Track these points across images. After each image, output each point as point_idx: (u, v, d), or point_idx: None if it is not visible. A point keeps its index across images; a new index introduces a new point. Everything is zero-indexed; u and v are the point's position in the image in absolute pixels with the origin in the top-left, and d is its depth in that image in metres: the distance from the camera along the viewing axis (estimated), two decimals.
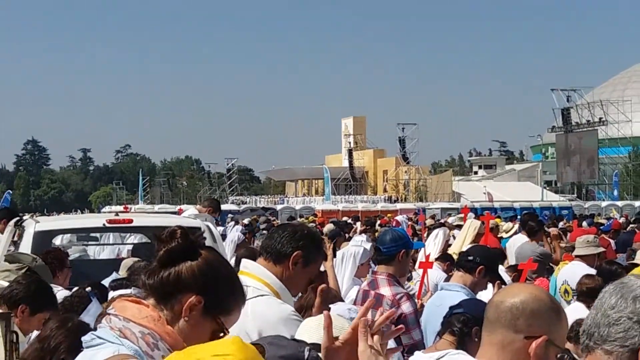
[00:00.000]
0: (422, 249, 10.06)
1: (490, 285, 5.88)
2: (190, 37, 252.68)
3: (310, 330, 3.22)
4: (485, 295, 5.65)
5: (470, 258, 5.84)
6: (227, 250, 12.01)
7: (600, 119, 74.77)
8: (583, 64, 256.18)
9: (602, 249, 9.11)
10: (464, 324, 4.43)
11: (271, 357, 2.13)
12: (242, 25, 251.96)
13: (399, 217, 24.30)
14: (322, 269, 7.42)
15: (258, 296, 3.67)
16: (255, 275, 3.79)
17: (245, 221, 26.77)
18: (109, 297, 5.32)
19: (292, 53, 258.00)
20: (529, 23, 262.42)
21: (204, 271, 2.54)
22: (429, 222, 21.51)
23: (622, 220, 24.72)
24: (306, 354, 2.18)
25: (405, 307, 5.70)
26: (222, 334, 2.55)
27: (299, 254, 3.83)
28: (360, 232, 16.86)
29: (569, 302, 8.08)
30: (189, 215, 10.55)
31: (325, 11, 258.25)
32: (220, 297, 2.56)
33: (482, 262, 5.81)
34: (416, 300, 7.45)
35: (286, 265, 3.83)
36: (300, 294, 4.65)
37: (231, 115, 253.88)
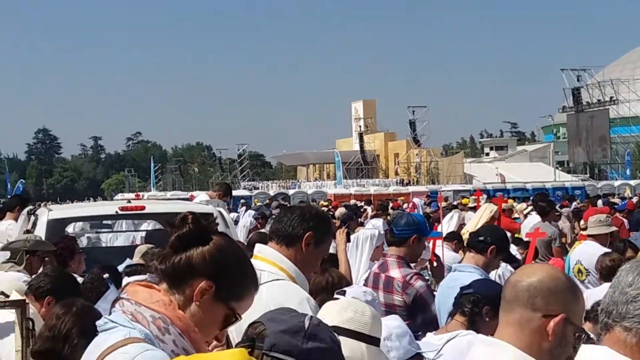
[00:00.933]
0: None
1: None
2: (199, 23, 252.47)
3: (332, 313, 3.22)
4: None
5: (481, 238, 5.84)
6: (240, 235, 12.03)
7: (611, 98, 74.45)
8: (593, 44, 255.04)
9: (614, 228, 9.08)
10: (474, 304, 4.43)
11: (271, 333, 2.14)
12: (250, 10, 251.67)
13: (416, 200, 24.24)
14: (333, 251, 7.46)
15: (273, 280, 3.67)
16: (269, 260, 3.79)
17: (259, 203, 26.76)
18: (123, 283, 5.35)
19: (302, 37, 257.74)
20: (538, 3, 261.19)
21: (214, 256, 2.55)
22: (443, 204, 21.45)
23: (635, 199, 24.66)
24: (306, 323, 2.18)
25: (418, 285, 5.73)
26: (234, 320, 2.56)
27: (310, 234, 3.83)
28: (372, 216, 16.85)
29: (582, 282, 8.07)
30: (201, 201, 10.55)
31: None
32: (231, 283, 2.56)
33: (493, 242, 5.81)
34: (429, 273, 7.45)
35: (298, 248, 3.83)
36: None
37: (242, 101, 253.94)
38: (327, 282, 5.15)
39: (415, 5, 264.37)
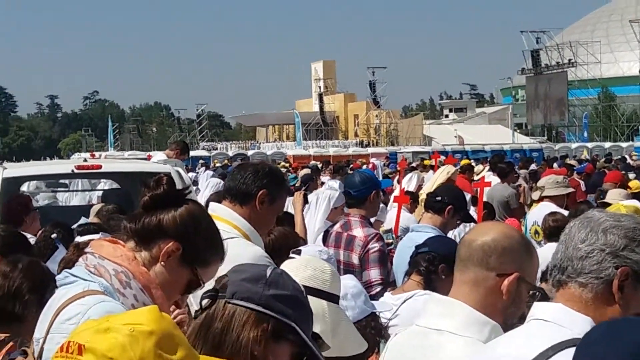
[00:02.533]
0: (398, 186, 10.09)
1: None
2: None
3: (291, 271, 3.20)
4: None
5: (439, 198, 5.85)
6: (202, 195, 11.98)
7: (569, 60, 75.01)
8: (552, 5, 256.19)
9: (571, 190, 9.17)
10: (430, 262, 4.43)
11: (233, 281, 2.14)
12: None
13: (375, 161, 24.33)
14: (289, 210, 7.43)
15: (227, 239, 3.64)
16: (223, 218, 3.76)
17: (218, 164, 26.68)
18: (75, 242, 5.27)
19: None
20: None
21: (185, 220, 2.58)
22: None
23: (594, 162, 24.89)
24: (268, 272, 2.17)
25: (371, 245, 5.71)
26: (197, 285, 2.60)
27: (264, 192, 3.81)
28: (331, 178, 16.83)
29: (539, 243, 8.13)
30: (158, 161, 10.46)
31: None
32: (198, 248, 2.60)
33: (451, 201, 5.83)
34: (393, 236, 7.47)
35: (253, 206, 3.81)
36: None
37: (201, 61, 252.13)
38: (269, 241, 5.10)
39: None
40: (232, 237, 3.66)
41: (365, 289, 5.45)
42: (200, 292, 2.45)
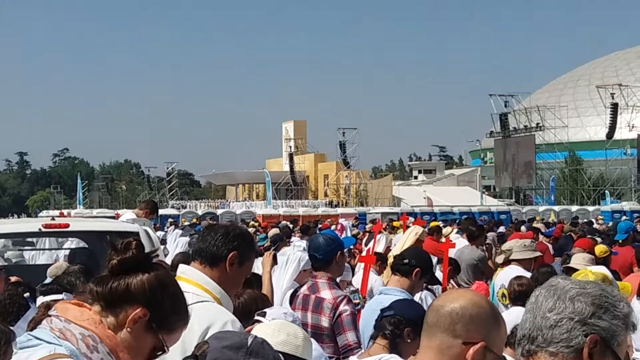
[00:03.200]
0: (366, 248, 10.11)
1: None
2: (128, 37, 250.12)
3: (265, 336, 3.21)
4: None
5: (406, 261, 5.86)
6: (172, 254, 11.91)
7: (537, 124, 75.88)
8: (520, 70, 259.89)
9: (538, 254, 9.21)
10: (396, 325, 4.43)
11: (214, 349, 2.13)
12: (182, 24, 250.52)
13: (343, 222, 24.36)
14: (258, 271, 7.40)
15: (197, 302, 3.63)
16: (193, 281, 3.75)
17: (186, 223, 26.57)
18: (38, 302, 5.22)
19: (233, 56, 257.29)
20: (467, 28, 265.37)
21: (153, 286, 2.57)
22: (368, 226, 21.62)
23: (562, 225, 25.06)
24: (249, 340, 2.16)
25: (343, 308, 5.69)
26: (161, 352, 2.58)
27: (234, 254, 3.80)
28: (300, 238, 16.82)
29: (506, 306, 8.15)
30: (127, 220, 10.42)
31: (266, 12, 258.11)
32: (165, 314, 2.59)
33: (418, 264, 5.85)
34: (360, 296, 7.46)
35: (223, 267, 3.80)
36: None
37: (171, 119, 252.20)
38: (239, 304, 5.10)
39: (346, 28, 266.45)
40: (202, 301, 3.66)
41: (344, 353, 5.46)
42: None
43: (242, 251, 3.85)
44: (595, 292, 2.28)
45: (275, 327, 3.35)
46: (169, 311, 2.60)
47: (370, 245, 10.71)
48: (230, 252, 3.80)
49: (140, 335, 2.55)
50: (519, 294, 7.02)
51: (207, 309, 3.63)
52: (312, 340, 3.98)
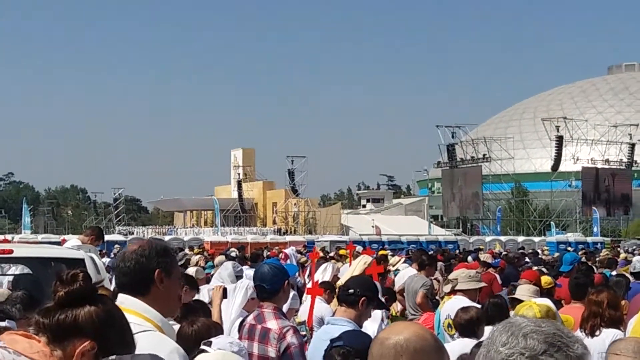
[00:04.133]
0: (311, 280, 10.11)
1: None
2: (72, 64, 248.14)
3: None
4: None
5: (351, 291, 5.87)
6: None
7: (484, 155, 76.75)
8: (467, 101, 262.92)
9: (483, 284, 9.29)
10: (344, 356, 4.43)
11: None
12: (129, 49, 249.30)
13: (288, 250, 24.33)
14: (206, 300, 7.35)
15: (140, 332, 3.59)
16: (133, 311, 3.70)
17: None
18: None
19: (180, 82, 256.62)
20: (415, 58, 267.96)
21: (101, 318, 2.56)
22: (302, 258, 21.72)
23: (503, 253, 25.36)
24: None
25: (291, 340, 5.68)
26: None
27: (158, 272, 3.75)
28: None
29: (452, 336, 8.20)
30: (72, 246, 10.31)
31: (214, 38, 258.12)
32: (112, 345, 2.57)
33: (363, 293, 5.86)
34: (307, 328, 7.46)
35: (155, 290, 3.74)
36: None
37: (118, 144, 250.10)
38: (193, 332, 5.09)
39: (293, 56, 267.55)
40: (145, 330, 3.62)
41: None
42: None
43: (163, 265, 3.78)
44: (549, 330, 2.30)
45: (217, 357, 3.34)
46: (116, 342, 2.59)
47: (317, 275, 10.68)
48: (153, 272, 3.74)
49: None
50: (465, 324, 7.07)
51: (150, 338, 3.59)
52: None
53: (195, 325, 5.12)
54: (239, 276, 9.15)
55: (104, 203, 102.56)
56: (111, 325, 2.59)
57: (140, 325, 3.63)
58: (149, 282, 3.73)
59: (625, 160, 77.89)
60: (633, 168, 79.60)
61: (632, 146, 77.76)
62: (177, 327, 5.42)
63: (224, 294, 7.29)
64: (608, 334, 6.85)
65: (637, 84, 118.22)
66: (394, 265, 15.36)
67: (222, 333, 5.33)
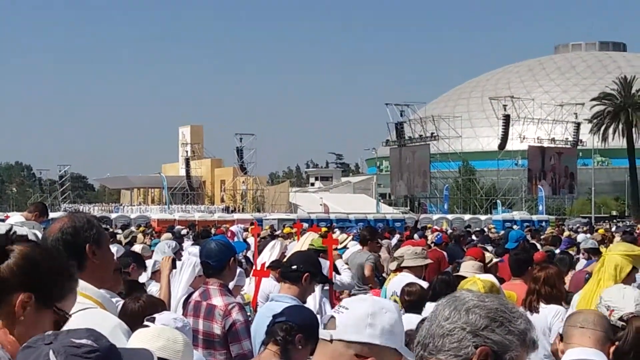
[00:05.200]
0: (257, 259, 10.08)
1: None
2: (23, 41, 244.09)
3: (144, 341, 3.17)
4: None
5: (294, 267, 5.87)
6: None
7: (432, 134, 77.19)
8: (416, 80, 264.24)
9: (429, 261, 9.35)
10: (287, 332, 4.44)
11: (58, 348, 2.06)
12: (82, 26, 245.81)
13: (234, 228, 24.30)
14: (144, 280, 7.28)
15: (80, 310, 3.54)
16: None
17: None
18: None
19: (129, 58, 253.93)
20: (364, 37, 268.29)
21: (23, 267, 2.45)
22: (264, 232, 21.65)
23: (449, 231, 25.60)
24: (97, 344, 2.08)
25: (236, 316, 5.67)
26: (64, 320, 2.51)
27: (89, 246, 3.70)
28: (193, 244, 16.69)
29: None
30: (15, 223, 10.14)
31: (164, 17, 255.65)
32: (49, 288, 2.48)
33: (306, 268, 5.86)
34: (252, 309, 7.45)
35: (90, 262, 3.68)
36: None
37: (63, 121, 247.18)
38: (139, 307, 5.05)
39: (244, 33, 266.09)
40: (85, 308, 3.57)
41: None
42: None
43: (92, 238, 3.72)
44: (492, 305, 2.30)
45: (154, 332, 3.32)
46: (51, 282, 2.50)
47: (265, 253, 10.66)
48: (84, 247, 3.69)
49: (35, 318, 2.46)
50: (411, 301, 7.12)
51: (91, 315, 3.55)
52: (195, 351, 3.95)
53: (140, 302, 5.08)
54: (176, 253, 9.11)
55: (49, 180, 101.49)
56: (38, 269, 2.48)
57: (80, 304, 3.58)
58: (82, 259, 3.66)
59: (570, 139, 78.90)
60: (578, 147, 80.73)
61: (578, 125, 78.77)
62: (121, 303, 5.39)
63: (173, 265, 7.25)
64: (550, 310, 6.94)
65: (583, 64, 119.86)
66: (342, 243, 15.43)
67: (167, 310, 5.31)
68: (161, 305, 5.30)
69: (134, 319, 4.56)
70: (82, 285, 3.66)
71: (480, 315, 2.27)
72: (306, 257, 6.28)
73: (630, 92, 77.65)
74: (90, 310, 3.58)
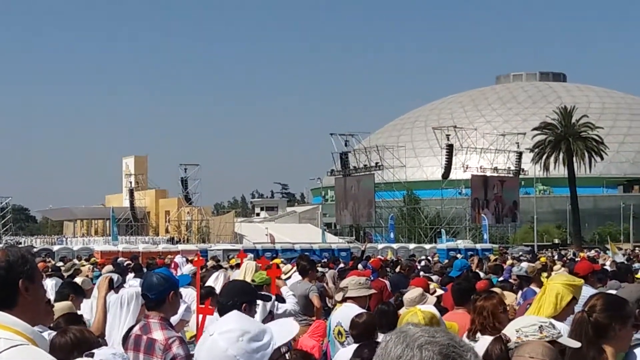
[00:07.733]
0: (196, 290, 9.98)
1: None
2: None
3: None
4: None
5: (230, 303, 5.83)
6: None
7: (376, 163, 77.60)
8: (360, 110, 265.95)
9: (373, 291, 9.34)
10: None
11: None
12: (16, 54, 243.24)
13: (177, 259, 24.11)
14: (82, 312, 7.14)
15: (11, 347, 3.45)
16: (3, 325, 3.55)
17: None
18: None
19: (71, 87, 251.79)
20: (309, 67, 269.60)
21: None
22: (210, 263, 21.50)
23: (384, 257, 25.69)
24: None
25: (177, 351, 5.59)
26: None
27: (22, 282, 3.61)
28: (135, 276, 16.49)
29: (342, 344, 8.23)
30: None
31: (106, 47, 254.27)
32: None
33: (242, 299, 5.84)
34: (195, 346, 7.34)
35: (22, 299, 3.60)
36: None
37: (3, 152, 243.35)
38: (65, 343, 4.92)
39: (186, 61, 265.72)
40: (16, 345, 3.48)
41: None
42: None
43: (25, 274, 3.64)
44: (443, 341, 2.29)
45: None
46: None
47: (209, 284, 10.57)
48: (17, 283, 3.60)
49: None
50: (360, 331, 7.10)
51: (23, 352, 3.46)
52: None
53: (68, 336, 4.96)
54: (118, 287, 8.98)
55: None
56: None
57: (11, 340, 3.49)
58: (14, 295, 3.58)
59: (513, 168, 79.82)
60: (520, 176, 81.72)
61: (520, 155, 79.75)
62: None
63: (110, 285, 7.13)
64: (488, 340, 6.94)
65: (524, 94, 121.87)
66: (286, 274, 15.36)
67: (99, 339, 5.20)
68: (92, 337, 5.18)
69: (63, 353, 4.47)
70: (12, 321, 3.57)
71: (434, 352, 2.26)
72: (237, 288, 6.29)
73: (570, 121, 78.87)
74: (22, 347, 3.49)
